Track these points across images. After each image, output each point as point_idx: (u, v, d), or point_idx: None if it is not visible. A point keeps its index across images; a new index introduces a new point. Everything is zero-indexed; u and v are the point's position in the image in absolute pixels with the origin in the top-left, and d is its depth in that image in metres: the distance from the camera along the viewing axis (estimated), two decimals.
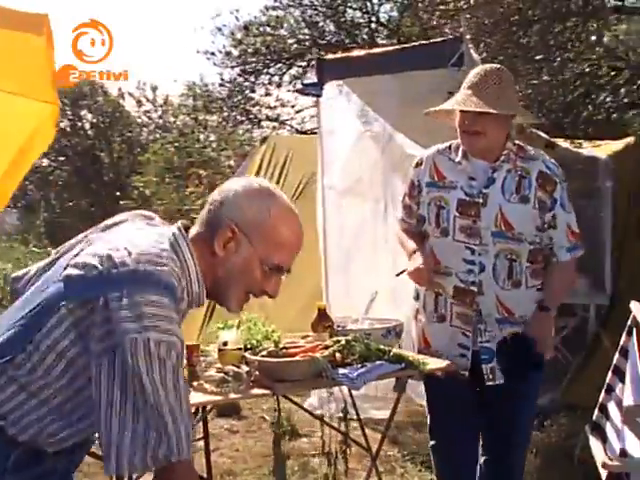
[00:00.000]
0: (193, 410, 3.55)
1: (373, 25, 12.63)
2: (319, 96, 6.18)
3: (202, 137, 15.07)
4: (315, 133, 6.67)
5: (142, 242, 1.83)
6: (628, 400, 3.48)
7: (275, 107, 13.63)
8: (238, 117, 13.97)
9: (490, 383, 3.26)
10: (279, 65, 12.77)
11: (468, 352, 3.27)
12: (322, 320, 3.46)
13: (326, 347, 3.27)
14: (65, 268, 1.82)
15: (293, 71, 12.99)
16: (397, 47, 7.23)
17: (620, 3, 7.59)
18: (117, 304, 1.70)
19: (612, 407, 3.75)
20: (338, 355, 3.27)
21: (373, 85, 5.92)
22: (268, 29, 12.77)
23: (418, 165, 3.37)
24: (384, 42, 12.02)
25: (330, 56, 6.78)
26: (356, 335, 3.32)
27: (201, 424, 4.15)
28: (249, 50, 12.51)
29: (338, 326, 3.53)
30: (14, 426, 1.82)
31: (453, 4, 6.58)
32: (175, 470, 1.72)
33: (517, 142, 3.29)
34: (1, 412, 1.81)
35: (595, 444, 3.74)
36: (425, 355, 3.36)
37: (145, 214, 2.05)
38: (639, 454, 2.99)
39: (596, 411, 3.73)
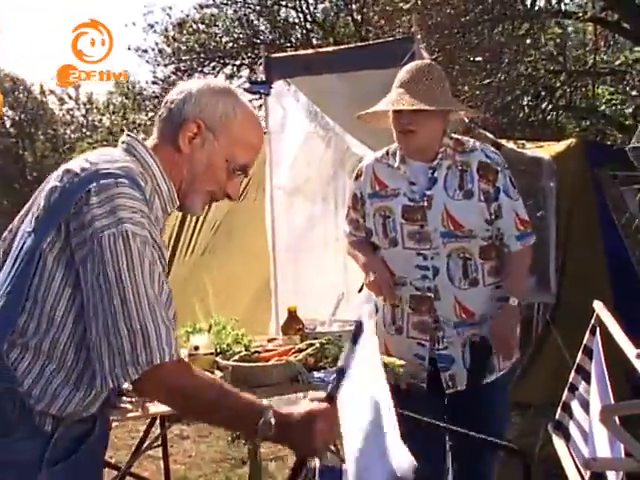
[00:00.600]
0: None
1: (308, 25, 12.60)
2: (267, 95, 6.10)
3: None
4: None
5: (95, 152, 1.84)
6: (595, 400, 3.51)
7: None
8: None
9: (450, 391, 3.18)
10: (213, 64, 12.63)
11: (424, 362, 3.19)
12: (292, 323, 3.39)
13: (299, 350, 3.21)
14: (31, 221, 1.79)
15: (227, 70, 12.90)
16: (347, 46, 7.19)
17: (560, 7, 7.71)
18: (87, 205, 1.68)
19: (576, 406, 3.78)
20: (310, 358, 3.21)
21: (322, 84, 5.87)
22: (202, 27, 12.62)
23: (358, 177, 3.29)
24: (319, 42, 11.98)
25: (278, 54, 6.70)
26: (329, 338, 3.27)
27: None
28: (183, 48, 12.34)
29: (307, 328, 3.46)
30: (41, 401, 1.75)
31: (403, 3, 6.58)
32: (163, 371, 1.68)
33: (454, 136, 3.22)
34: (24, 388, 1.74)
35: (559, 443, 3.77)
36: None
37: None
38: (618, 453, 3.02)
39: (559, 410, 3.76)
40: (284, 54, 6.93)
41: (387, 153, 3.26)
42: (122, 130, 16.19)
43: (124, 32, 17.49)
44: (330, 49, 6.49)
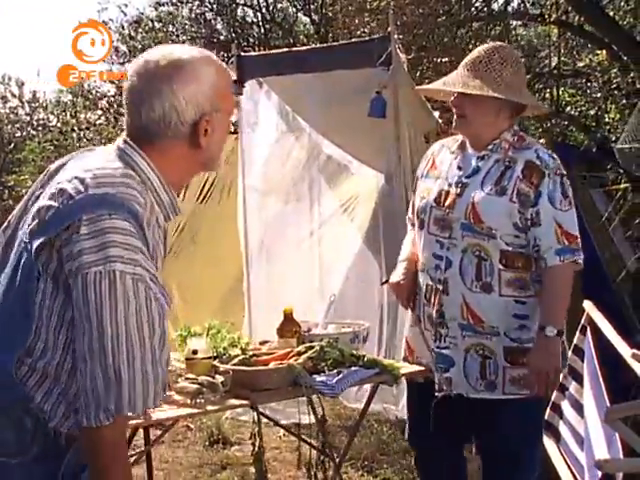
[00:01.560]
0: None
1: (267, 25, 12.51)
2: (239, 94, 6.02)
3: (87, 135, 14.51)
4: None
5: (92, 165, 1.73)
6: (589, 401, 3.53)
7: None
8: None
9: (441, 394, 2.97)
10: None
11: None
12: (289, 325, 3.33)
13: (299, 353, 3.16)
14: (26, 232, 1.73)
15: None
16: (321, 45, 7.14)
17: (523, 9, 7.78)
18: (77, 235, 1.62)
19: (566, 406, 3.80)
20: (309, 361, 3.16)
21: (295, 84, 5.80)
22: (158, 25, 12.46)
23: (424, 159, 3.20)
24: (277, 42, 11.91)
25: (250, 53, 6.62)
26: (329, 340, 3.22)
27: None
28: (139, 46, 12.15)
29: (304, 331, 3.41)
30: (52, 420, 1.72)
31: (377, 3, 6.56)
32: (115, 426, 1.63)
33: (520, 133, 3.02)
34: (36, 404, 1.71)
35: (548, 443, 3.78)
36: (409, 363, 3.18)
37: (87, 149, 1.92)
38: (616, 453, 3.03)
39: (548, 410, 3.76)
40: (256, 53, 6.84)
41: (454, 139, 3.10)
42: (73, 130, 16.01)
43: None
44: (303, 48, 6.44)
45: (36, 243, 1.68)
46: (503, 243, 2.87)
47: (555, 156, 2.93)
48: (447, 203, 2.95)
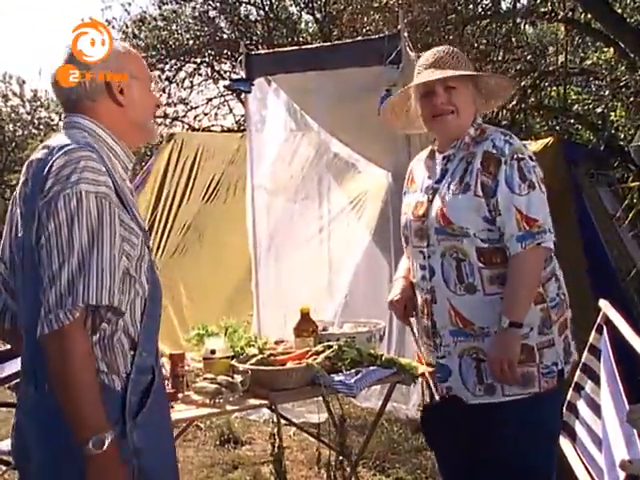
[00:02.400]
0: None
1: (271, 23, 12.48)
2: (248, 92, 6.00)
3: None
4: (226, 131, 6.52)
5: (50, 141, 2.00)
6: (606, 400, 3.50)
7: (169, 104, 13.26)
8: None
9: (438, 397, 2.92)
10: (173, 61, 12.44)
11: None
12: (306, 324, 3.30)
13: (317, 353, 3.14)
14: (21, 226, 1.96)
15: (190, 68, 12.72)
16: (331, 43, 7.11)
17: (532, 7, 7.75)
18: (49, 174, 1.85)
19: (582, 406, 3.77)
20: (327, 361, 3.14)
21: (304, 82, 5.77)
22: (161, 24, 12.44)
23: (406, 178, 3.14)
24: (281, 41, 11.89)
25: (260, 51, 6.60)
26: (346, 340, 3.20)
27: None
28: (142, 45, 12.14)
29: (320, 330, 3.39)
30: (102, 361, 1.92)
31: (385, 0, 6.53)
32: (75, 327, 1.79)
33: (483, 126, 2.91)
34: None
35: (564, 443, 3.76)
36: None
37: None
38: (636, 454, 3.01)
39: (564, 410, 3.74)
40: (265, 51, 6.81)
41: (427, 150, 3.04)
42: None
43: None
44: (312, 46, 6.39)
45: (28, 224, 1.89)
46: (478, 240, 2.77)
47: (513, 140, 2.81)
48: (421, 212, 2.89)
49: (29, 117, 20.52)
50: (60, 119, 18.27)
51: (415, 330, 3.03)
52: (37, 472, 1.96)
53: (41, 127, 19.64)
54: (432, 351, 2.90)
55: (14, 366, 3.78)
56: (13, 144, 20.34)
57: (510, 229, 2.73)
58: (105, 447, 1.79)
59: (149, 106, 2.15)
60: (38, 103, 20.34)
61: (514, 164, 2.74)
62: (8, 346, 4.52)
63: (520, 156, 2.77)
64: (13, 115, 20.98)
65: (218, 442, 5.18)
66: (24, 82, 20.31)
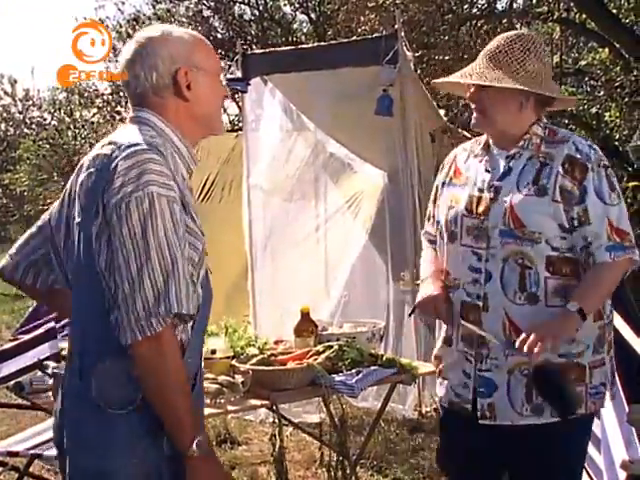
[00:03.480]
0: None
1: (265, 23, 12.49)
2: (244, 92, 5.99)
3: (82, 134, 14.48)
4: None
5: (116, 136, 1.97)
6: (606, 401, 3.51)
7: None
8: (125, 114, 13.48)
9: (485, 422, 2.63)
10: None
11: (470, 381, 2.67)
12: (306, 324, 3.30)
13: (317, 353, 3.14)
14: (79, 212, 1.94)
15: None
16: (327, 43, 7.11)
17: (528, 8, 7.77)
18: (116, 173, 1.83)
19: None
20: (327, 361, 3.14)
21: (301, 82, 5.76)
22: (155, 23, 12.41)
23: (442, 168, 2.89)
24: (276, 40, 11.89)
25: (256, 51, 6.59)
26: (347, 340, 3.20)
27: None
28: None
29: (320, 330, 3.39)
30: None
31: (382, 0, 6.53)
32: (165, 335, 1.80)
33: (550, 126, 2.72)
34: None
35: None
36: (440, 385, 2.81)
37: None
38: (635, 454, 3.02)
39: None
40: (261, 51, 6.80)
41: (476, 141, 2.82)
42: (69, 128, 15.97)
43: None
44: (309, 46, 6.39)
45: (88, 213, 1.88)
46: (549, 247, 2.57)
47: (595, 147, 2.65)
48: (480, 210, 2.65)
49: (21, 116, 20.49)
50: (52, 118, 18.26)
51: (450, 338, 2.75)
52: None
53: (33, 126, 19.59)
54: (472, 362, 2.65)
55: (13, 366, 3.78)
56: (5, 143, 20.30)
57: (599, 239, 2.56)
58: (206, 445, 1.83)
59: (216, 99, 2.07)
60: (30, 102, 20.32)
61: (602, 172, 2.59)
62: (6, 346, 4.54)
63: (606, 164, 2.63)
64: (5, 114, 20.96)
65: (215, 442, 5.14)
66: (16, 81, 20.30)
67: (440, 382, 2.80)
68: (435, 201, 2.87)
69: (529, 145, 2.64)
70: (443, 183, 2.83)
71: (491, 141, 2.74)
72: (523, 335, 2.44)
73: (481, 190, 2.66)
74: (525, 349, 2.41)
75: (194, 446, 1.80)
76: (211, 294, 2.02)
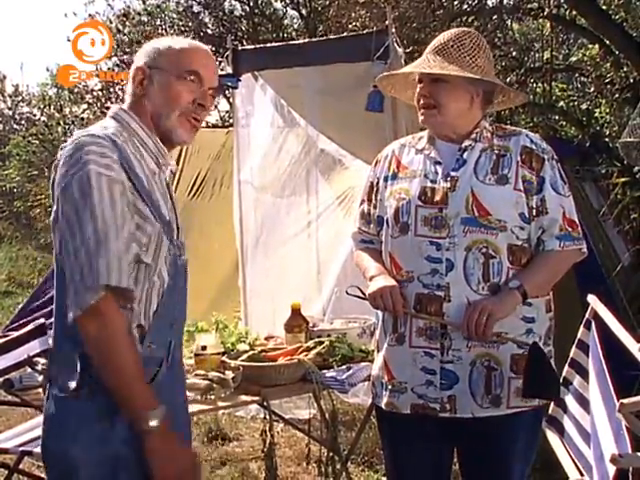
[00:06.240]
0: None
1: (256, 19, 12.47)
2: (235, 88, 5.98)
3: (72, 130, 14.40)
4: (210, 127, 6.51)
5: (86, 128, 2.06)
6: (595, 396, 3.52)
7: None
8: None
9: (445, 415, 2.60)
10: None
11: (435, 377, 2.60)
12: (297, 320, 3.30)
13: (308, 349, 3.14)
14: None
15: None
16: (318, 39, 7.11)
17: (518, 4, 7.78)
18: (62, 160, 1.93)
19: (570, 401, 3.79)
20: (318, 357, 3.14)
21: (292, 77, 5.77)
22: (146, 19, 12.39)
23: (376, 163, 2.84)
24: (267, 36, 11.87)
25: (246, 47, 6.58)
26: (338, 336, 3.20)
27: None
28: (126, 40, 12.09)
29: (310, 326, 3.39)
30: None
31: None
32: (106, 299, 1.84)
33: (495, 123, 2.79)
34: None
35: (553, 437, 3.78)
36: (390, 391, 2.68)
37: None
38: (624, 449, 3.02)
39: (552, 405, 3.75)
40: (252, 47, 6.79)
41: (414, 137, 2.82)
42: (58, 123, 15.90)
43: (64, 22, 17.18)
44: (300, 42, 6.38)
45: (55, 207, 1.94)
46: (513, 236, 2.58)
47: (543, 140, 2.71)
48: (437, 199, 2.62)
49: (10, 112, 20.40)
50: (42, 114, 18.19)
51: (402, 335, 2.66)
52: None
53: (22, 122, 19.51)
54: (434, 356, 2.60)
55: (2, 362, 3.77)
56: None
57: (552, 228, 2.62)
58: (164, 420, 1.84)
59: (170, 102, 2.07)
60: (19, 98, 20.23)
61: (554, 164, 2.66)
62: None
63: (556, 157, 2.69)
64: None
65: (206, 439, 5.16)
66: (5, 77, 20.18)
67: (382, 386, 2.72)
68: (371, 199, 2.82)
69: (480, 138, 2.66)
70: (386, 178, 2.77)
71: (436, 136, 2.72)
72: (466, 320, 2.51)
73: (434, 181, 2.66)
74: (474, 335, 2.50)
75: (150, 419, 1.81)
76: (184, 283, 2.08)
